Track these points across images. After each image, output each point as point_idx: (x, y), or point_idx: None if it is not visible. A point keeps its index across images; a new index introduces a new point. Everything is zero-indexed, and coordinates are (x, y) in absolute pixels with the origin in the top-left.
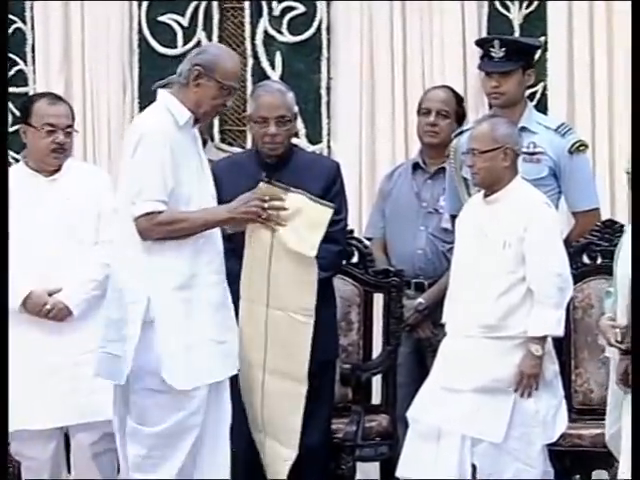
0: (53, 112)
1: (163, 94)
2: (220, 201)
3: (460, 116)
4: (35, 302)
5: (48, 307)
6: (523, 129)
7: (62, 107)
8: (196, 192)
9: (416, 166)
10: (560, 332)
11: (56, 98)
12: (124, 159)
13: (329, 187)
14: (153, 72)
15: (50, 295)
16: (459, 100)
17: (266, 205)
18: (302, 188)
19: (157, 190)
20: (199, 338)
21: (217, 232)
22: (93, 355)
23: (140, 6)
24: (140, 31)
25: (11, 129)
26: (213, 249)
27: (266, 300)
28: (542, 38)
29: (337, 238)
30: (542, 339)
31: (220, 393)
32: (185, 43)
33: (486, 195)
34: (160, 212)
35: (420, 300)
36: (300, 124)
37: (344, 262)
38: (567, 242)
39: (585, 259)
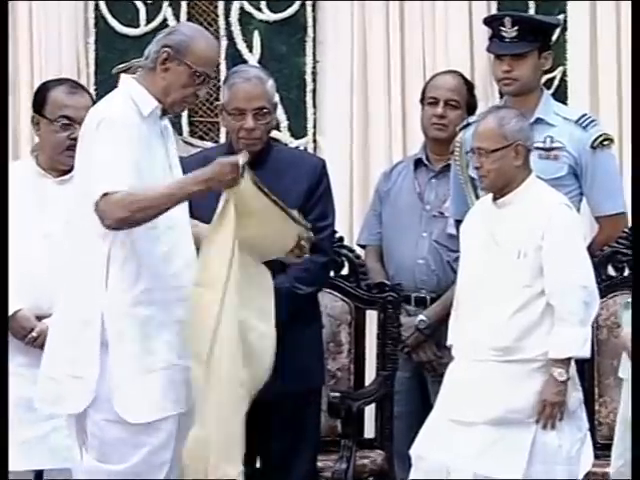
0: (71, 103)
1: (126, 80)
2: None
3: (471, 107)
4: (20, 325)
5: (34, 334)
6: (539, 121)
7: (82, 98)
8: None
9: (419, 163)
10: (587, 353)
11: (76, 87)
12: (80, 152)
13: (313, 189)
14: (112, 55)
15: (39, 319)
16: (470, 88)
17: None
18: (282, 190)
19: (118, 177)
20: (163, 362)
21: (187, 239)
22: None
23: None
24: (97, 8)
25: None
26: (182, 260)
27: (223, 288)
28: (561, 16)
29: (323, 247)
30: (566, 362)
31: (188, 426)
32: (148, 22)
33: (496, 197)
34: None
35: (421, 317)
36: (282, 115)
37: (332, 274)
38: (590, 251)
39: (610, 271)
